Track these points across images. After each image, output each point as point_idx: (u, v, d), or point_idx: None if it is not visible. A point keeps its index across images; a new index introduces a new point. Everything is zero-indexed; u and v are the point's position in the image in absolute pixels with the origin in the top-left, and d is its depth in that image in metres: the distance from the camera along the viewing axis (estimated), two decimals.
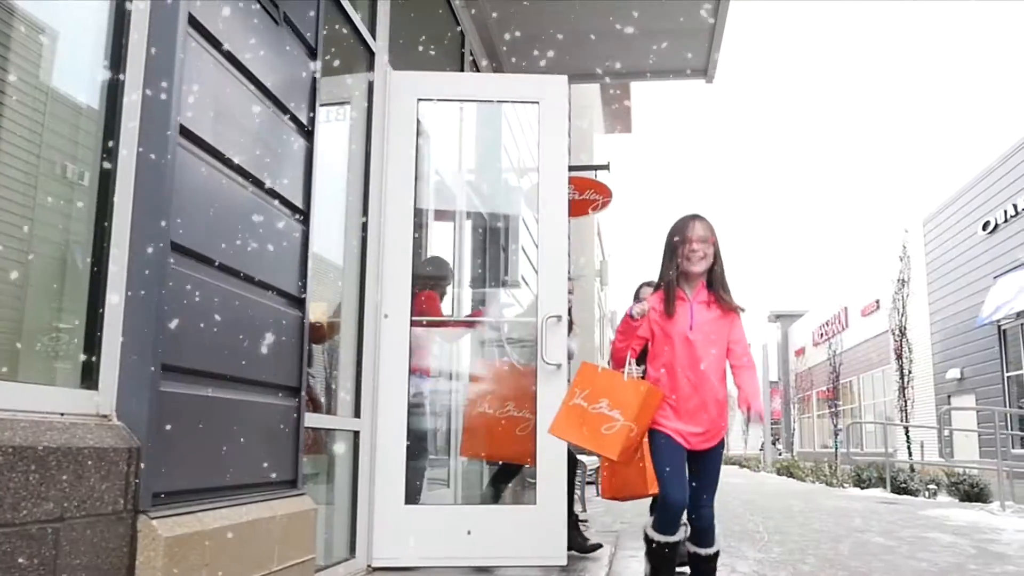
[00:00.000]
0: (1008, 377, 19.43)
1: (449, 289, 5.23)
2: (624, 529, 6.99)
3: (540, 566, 4.02)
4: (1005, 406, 18.65)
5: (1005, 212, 19.05)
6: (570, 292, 5.06)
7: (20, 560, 1.67)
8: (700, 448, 3.45)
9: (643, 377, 3.66)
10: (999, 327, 19.47)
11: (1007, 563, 5.66)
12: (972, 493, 13.10)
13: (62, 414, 1.94)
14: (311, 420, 3.33)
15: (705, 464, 3.50)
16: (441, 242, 5.95)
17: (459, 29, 5.88)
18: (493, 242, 6.60)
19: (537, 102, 4.49)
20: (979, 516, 9.59)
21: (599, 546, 4.95)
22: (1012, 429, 18.70)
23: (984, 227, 20.08)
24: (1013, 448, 17.57)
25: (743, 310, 3.61)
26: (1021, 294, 17.62)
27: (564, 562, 4.04)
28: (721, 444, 3.55)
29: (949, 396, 22.26)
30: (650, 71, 6.98)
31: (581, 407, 3.43)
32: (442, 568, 3.97)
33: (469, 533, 4.06)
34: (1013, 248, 18.66)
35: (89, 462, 1.88)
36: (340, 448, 3.95)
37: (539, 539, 4.06)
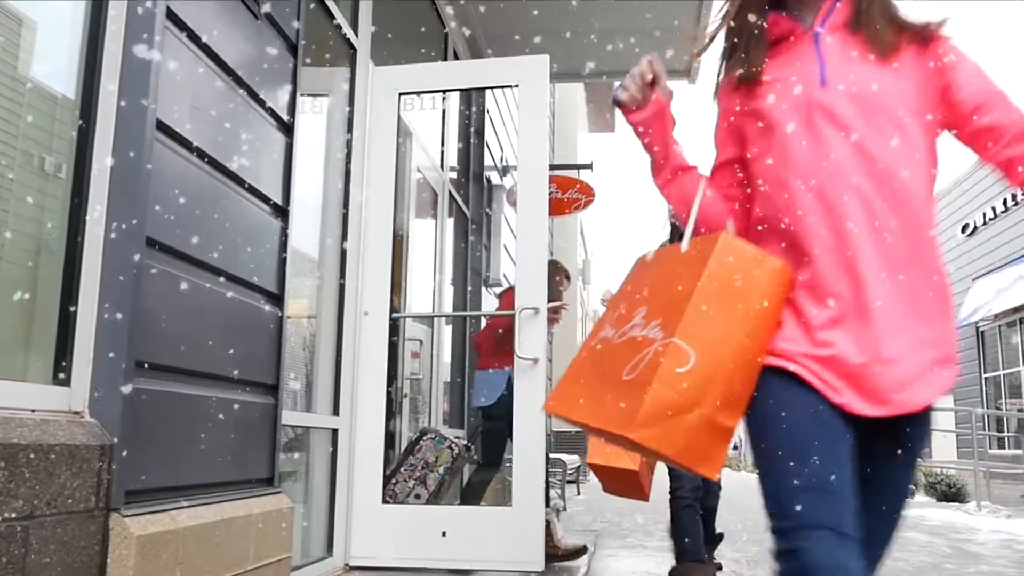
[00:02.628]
0: (986, 378, 19.62)
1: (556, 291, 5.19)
2: (604, 528, 7.00)
3: (516, 571, 3.94)
4: (983, 407, 18.84)
5: (984, 215, 19.23)
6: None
7: None
8: (888, 412, 1.40)
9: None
10: (977, 329, 19.65)
11: (982, 563, 5.71)
12: (949, 493, 13.22)
13: (33, 410, 1.91)
14: (289, 418, 3.31)
15: (886, 483, 1.49)
16: (424, 239, 5.95)
17: (443, 28, 5.87)
18: (475, 239, 6.60)
19: (517, 84, 4.42)
20: (956, 516, 9.68)
21: (584, 549, 4.94)
22: (989, 430, 18.89)
23: (963, 230, 20.25)
24: (990, 449, 17.76)
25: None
26: (999, 296, 17.79)
27: (541, 567, 3.96)
28: (927, 419, 1.50)
29: None
30: None
31: (607, 345, 1.56)
32: (418, 570, 3.94)
33: (444, 534, 4.00)
34: (992, 250, 18.83)
35: (60, 459, 1.86)
36: (319, 446, 3.94)
37: (515, 543, 3.96)
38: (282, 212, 3.01)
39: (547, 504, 4.83)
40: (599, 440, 3.15)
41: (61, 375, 2.07)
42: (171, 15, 2.31)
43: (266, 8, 2.87)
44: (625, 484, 3.91)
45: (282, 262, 3.00)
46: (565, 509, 8.48)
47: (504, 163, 7.29)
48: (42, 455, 1.80)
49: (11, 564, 1.71)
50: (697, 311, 1.41)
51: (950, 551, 6.30)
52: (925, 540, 6.99)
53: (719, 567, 4.65)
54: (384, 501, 4.12)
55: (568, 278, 5.35)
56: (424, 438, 4.48)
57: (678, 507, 3.85)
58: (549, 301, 5.03)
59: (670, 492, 3.88)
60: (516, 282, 4.21)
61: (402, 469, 4.39)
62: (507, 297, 5.18)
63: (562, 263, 5.49)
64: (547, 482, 4.98)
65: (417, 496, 4.28)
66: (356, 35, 4.20)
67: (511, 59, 4.52)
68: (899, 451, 1.47)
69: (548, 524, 4.73)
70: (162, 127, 2.25)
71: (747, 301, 1.44)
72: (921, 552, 6.17)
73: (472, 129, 6.57)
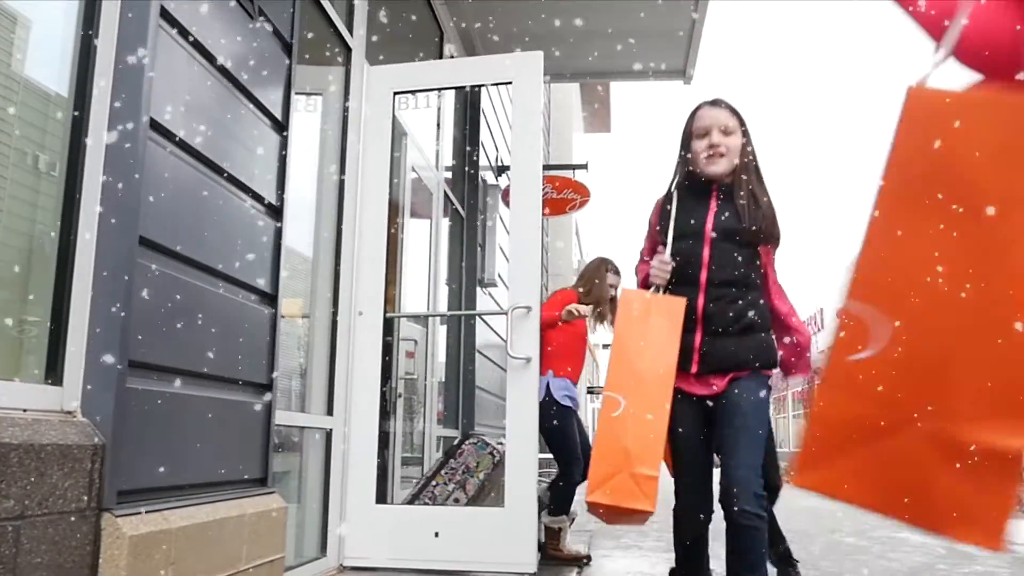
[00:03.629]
0: None
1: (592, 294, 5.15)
2: (599, 528, 6.99)
3: (509, 572, 3.90)
4: None
5: None
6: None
7: None
8: None
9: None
10: None
11: (975, 563, 5.73)
12: None
13: (24, 410, 1.91)
14: (282, 418, 3.30)
15: None
16: (418, 239, 5.94)
17: (438, 28, 5.87)
18: (470, 239, 6.59)
19: (510, 81, 4.38)
20: None
21: (588, 559, 4.97)
22: None
23: None
24: None
25: None
26: None
27: (534, 568, 3.94)
28: None
29: None
30: (629, 72, 6.99)
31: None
32: (412, 570, 3.92)
33: (437, 535, 3.98)
34: None
35: (52, 459, 1.85)
36: (312, 446, 3.93)
37: (507, 544, 3.92)
38: (276, 211, 3.00)
39: (566, 512, 4.86)
40: (600, 468, 2.44)
41: (53, 375, 2.06)
42: (165, 14, 2.30)
43: (261, 7, 2.87)
44: (633, 519, 2.97)
45: (276, 261, 3.00)
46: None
47: (499, 163, 7.29)
48: (33, 455, 1.80)
49: (2, 564, 1.70)
50: (879, 235, 0.65)
51: (944, 551, 6.30)
52: (919, 540, 7.00)
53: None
54: (423, 503, 4.13)
55: (617, 273, 5.28)
56: (466, 442, 4.52)
57: (680, 541, 3.09)
58: (597, 300, 5.07)
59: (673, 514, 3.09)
60: (509, 280, 4.19)
61: (442, 472, 4.42)
62: (551, 299, 5.18)
63: (610, 259, 5.40)
64: (572, 489, 4.94)
65: (456, 500, 4.31)
66: (351, 35, 4.20)
67: (505, 56, 4.49)
68: None
69: (559, 531, 4.76)
70: (155, 126, 2.24)
71: (977, 192, 0.67)
72: (915, 552, 6.19)
73: (467, 129, 6.56)
